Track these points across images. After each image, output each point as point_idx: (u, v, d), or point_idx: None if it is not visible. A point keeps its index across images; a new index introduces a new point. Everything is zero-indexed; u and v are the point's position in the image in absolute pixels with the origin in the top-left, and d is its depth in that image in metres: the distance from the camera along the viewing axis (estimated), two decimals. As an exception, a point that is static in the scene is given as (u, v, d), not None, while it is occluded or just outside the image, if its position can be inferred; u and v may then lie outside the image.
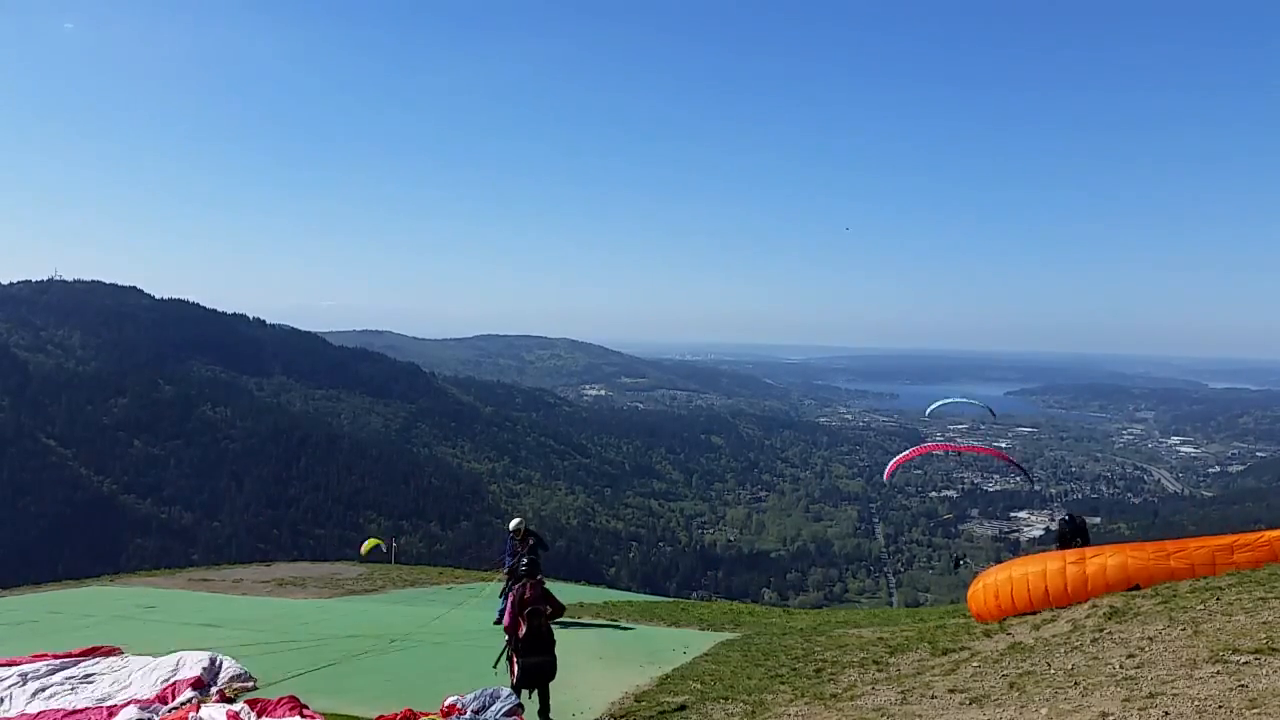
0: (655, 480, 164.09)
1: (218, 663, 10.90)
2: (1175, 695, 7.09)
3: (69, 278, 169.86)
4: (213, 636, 13.80)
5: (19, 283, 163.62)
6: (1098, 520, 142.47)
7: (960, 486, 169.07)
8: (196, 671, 10.51)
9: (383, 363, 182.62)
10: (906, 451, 21.75)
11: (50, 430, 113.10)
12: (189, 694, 10.02)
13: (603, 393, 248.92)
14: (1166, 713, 6.69)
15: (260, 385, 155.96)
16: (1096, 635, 10.08)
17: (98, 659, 11.60)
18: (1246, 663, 7.56)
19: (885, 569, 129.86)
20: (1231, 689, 6.96)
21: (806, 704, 9.43)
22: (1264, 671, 7.20)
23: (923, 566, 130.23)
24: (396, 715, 9.35)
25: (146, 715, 9.53)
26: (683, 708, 9.78)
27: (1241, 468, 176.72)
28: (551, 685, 9.52)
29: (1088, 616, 11.08)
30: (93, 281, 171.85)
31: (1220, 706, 6.57)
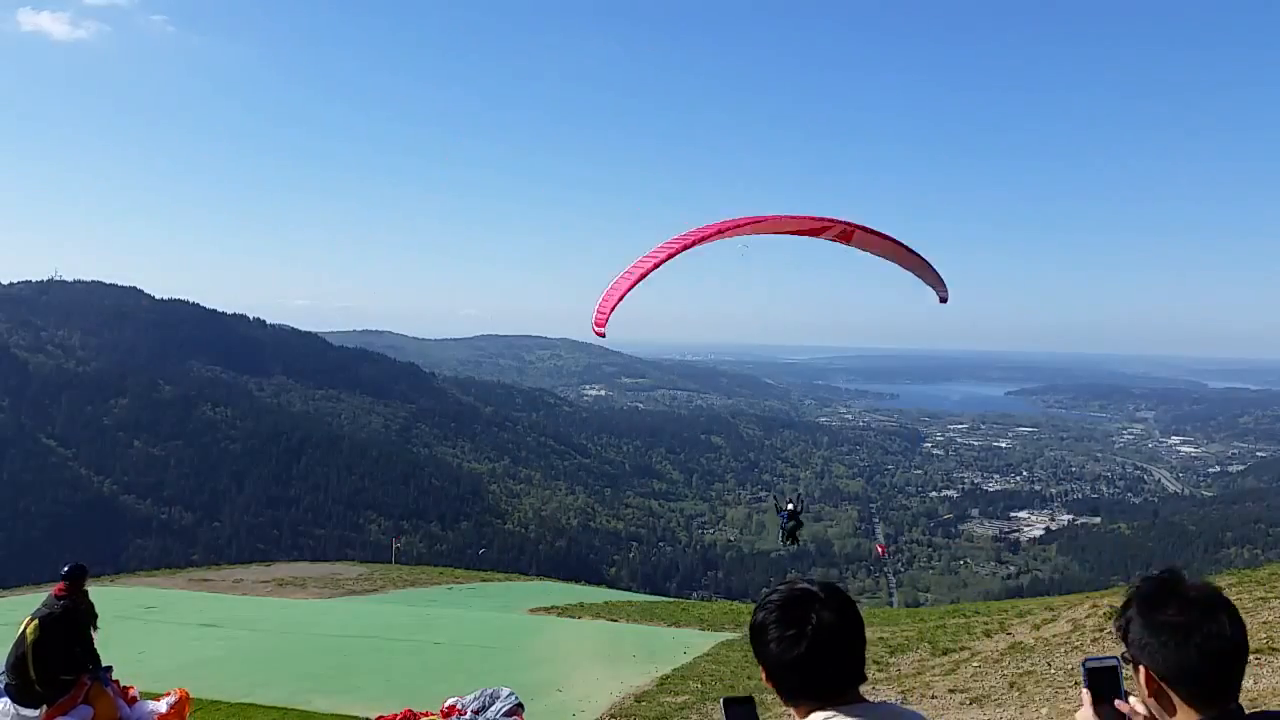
0: (655, 480, 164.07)
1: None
2: (1175, 695, 7.07)
3: (69, 278, 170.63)
4: (212, 636, 13.80)
5: (19, 283, 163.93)
6: (1098, 520, 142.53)
7: (960, 486, 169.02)
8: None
9: (383, 363, 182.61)
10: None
11: (50, 430, 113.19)
12: None
13: (603, 393, 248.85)
14: (1167, 712, 6.68)
15: (260, 385, 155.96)
16: (1097, 635, 10.08)
17: None
18: (1246, 663, 7.56)
19: (885, 569, 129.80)
20: (1232, 689, 6.95)
21: (806, 704, 9.38)
22: (1264, 671, 7.20)
23: (923, 566, 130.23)
24: (396, 715, 9.34)
25: None
26: (683, 708, 9.78)
27: (1241, 468, 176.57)
28: (551, 686, 9.53)
29: (1088, 616, 11.08)
30: (93, 281, 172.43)
31: (1220, 706, 6.56)
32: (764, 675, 2.25)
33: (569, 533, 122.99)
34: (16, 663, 7.63)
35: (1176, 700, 1.99)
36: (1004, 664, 9.79)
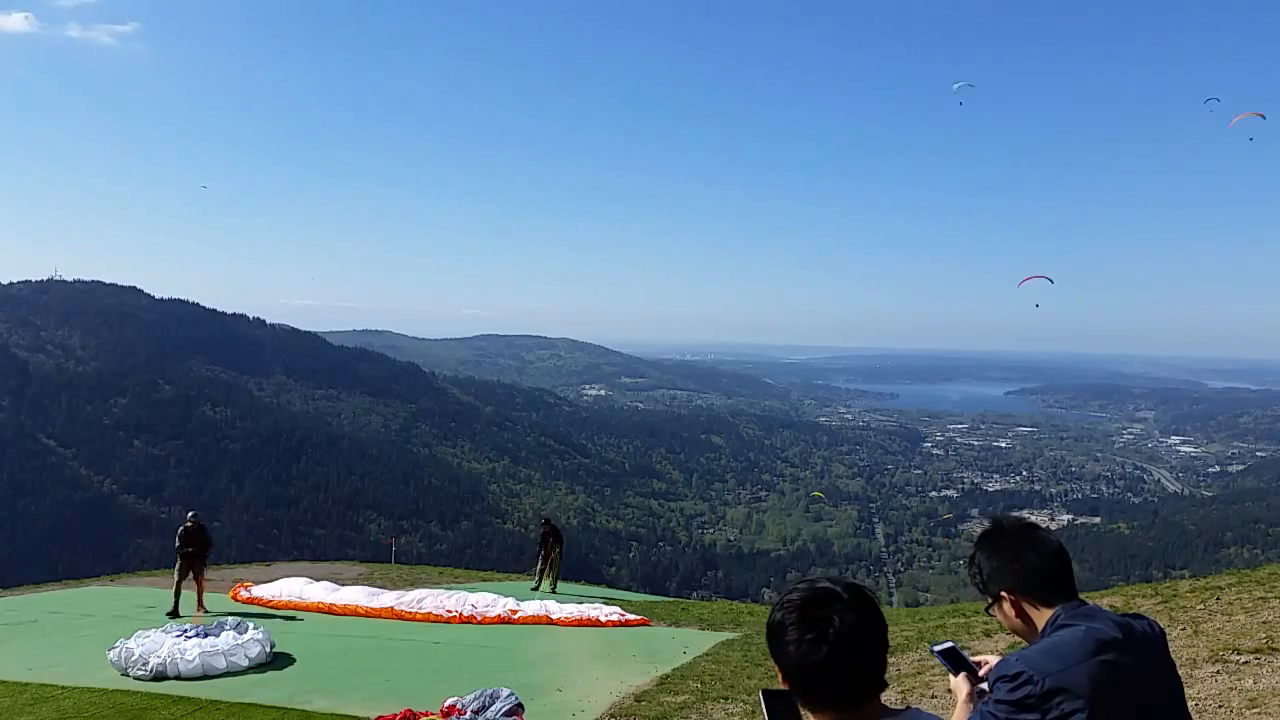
0: (655, 480, 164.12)
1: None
2: (1175, 695, 7.07)
3: (69, 278, 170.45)
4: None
5: (19, 283, 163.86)
6: (1098, 520, 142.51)
7: (960, 486, 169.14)
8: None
9: (383, 363, 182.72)
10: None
11: (50, 430, 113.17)
12: None
13: (603, 393, 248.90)
14: (1166, 712, 6.67)
15: (260, 385, 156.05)
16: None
17: None
18: (1246, 662, 7.56)
19: (885, 569, 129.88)
20: (1231, 689, 6.95)
21: (806, 704, 9.37)
22: (1264, 671, 7.19)
23: (923, 566, 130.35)
24: (396, 716, 9.34)
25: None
26: (683, 708, 9.78)
27: (1241, 468, 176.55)
28: (551, 686, 9.46)
29: (1088, 616, 11.06)
30: (93, 281, 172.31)
31: (1220, 706, 6.57)
32: (780, 677, 2.05)
33: (569, 533, 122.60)
34: None
35: (1032, 609, 2.43)
36: (1004, 664, 9.77)
